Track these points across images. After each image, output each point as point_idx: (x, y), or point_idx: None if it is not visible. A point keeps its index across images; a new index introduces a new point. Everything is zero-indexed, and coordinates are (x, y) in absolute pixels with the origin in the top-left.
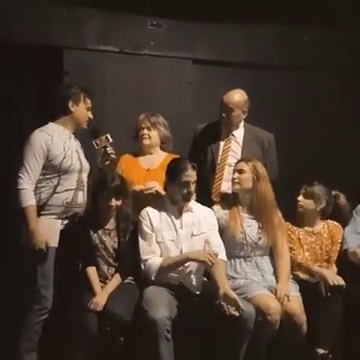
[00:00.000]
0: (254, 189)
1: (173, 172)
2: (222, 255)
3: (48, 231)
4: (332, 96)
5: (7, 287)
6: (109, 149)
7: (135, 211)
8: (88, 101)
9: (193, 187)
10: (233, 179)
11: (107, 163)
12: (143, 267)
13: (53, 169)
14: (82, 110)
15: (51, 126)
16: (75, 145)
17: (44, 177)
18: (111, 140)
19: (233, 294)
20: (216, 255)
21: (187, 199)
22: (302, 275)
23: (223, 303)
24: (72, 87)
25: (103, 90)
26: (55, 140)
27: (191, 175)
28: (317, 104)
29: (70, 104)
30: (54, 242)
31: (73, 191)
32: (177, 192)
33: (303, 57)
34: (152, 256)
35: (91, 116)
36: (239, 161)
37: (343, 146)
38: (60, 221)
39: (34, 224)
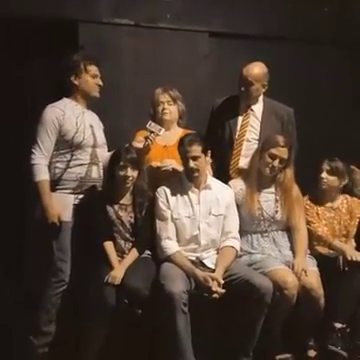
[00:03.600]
0: None
1: (179, 147)
2: (232, 241)
3: (61, 206)
4: (350, 70)
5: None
6: (152, 136)
7: (151, 188)
8: (91, 68)
9: (193, 163)
10: (271, 165)
11: (139, 145)
12: (158, 248)
13: (65, 144)
14: (87, 80)
15: (64, 101)
16: (89, 120)
17: (57, 152)
18: (160, 134)
19: (215, 281)
20: (219, 283)
21: (188, 175)
22: (321, 249)
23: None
24: (71, 60)
25: (119, 64)
26: (68, 115)
27: (190, 150)
28: (335, 78)
29: (72, 78)
30: (67, 216)
31: (87, 166)
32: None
33: (322, 30)
34: (167, 241)
35: (100, 83)
36: (279, 142)
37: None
38: (74, 196)
39: (47, 198)
